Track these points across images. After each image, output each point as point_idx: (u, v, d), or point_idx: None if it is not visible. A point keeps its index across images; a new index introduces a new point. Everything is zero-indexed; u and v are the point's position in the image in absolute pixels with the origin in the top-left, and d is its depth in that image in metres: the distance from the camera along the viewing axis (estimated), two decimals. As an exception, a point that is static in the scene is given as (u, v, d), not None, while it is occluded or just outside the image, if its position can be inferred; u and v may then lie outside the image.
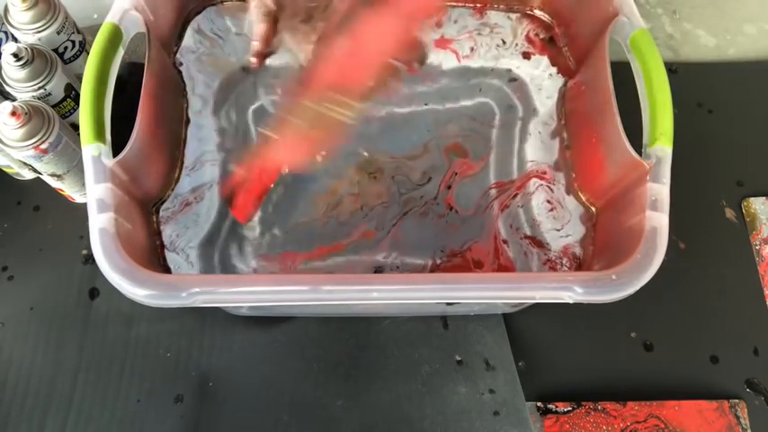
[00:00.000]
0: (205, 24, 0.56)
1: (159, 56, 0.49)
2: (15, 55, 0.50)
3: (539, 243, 0.55)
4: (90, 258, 0.57)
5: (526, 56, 0.60)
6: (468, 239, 0.56)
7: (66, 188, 0.57)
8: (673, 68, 0.69)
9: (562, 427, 0.53)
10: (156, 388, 0.53)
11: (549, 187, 0.56)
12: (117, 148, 0.41)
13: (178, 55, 0.54)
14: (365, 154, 0.59)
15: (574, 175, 0.54)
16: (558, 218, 0.55)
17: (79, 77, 0.58)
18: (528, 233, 0.56)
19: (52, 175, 0.54)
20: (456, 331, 0.56)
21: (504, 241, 0.56)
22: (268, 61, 0.59)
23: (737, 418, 0.54)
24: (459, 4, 0.57)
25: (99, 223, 0.38)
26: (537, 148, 0.59)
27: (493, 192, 0.58)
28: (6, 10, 0.53)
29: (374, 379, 0.54)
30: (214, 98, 0.58)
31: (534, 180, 0.57)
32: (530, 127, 0.60)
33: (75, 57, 0.59)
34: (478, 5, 0.57)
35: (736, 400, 0.55)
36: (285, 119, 0.45)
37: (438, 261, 0.56)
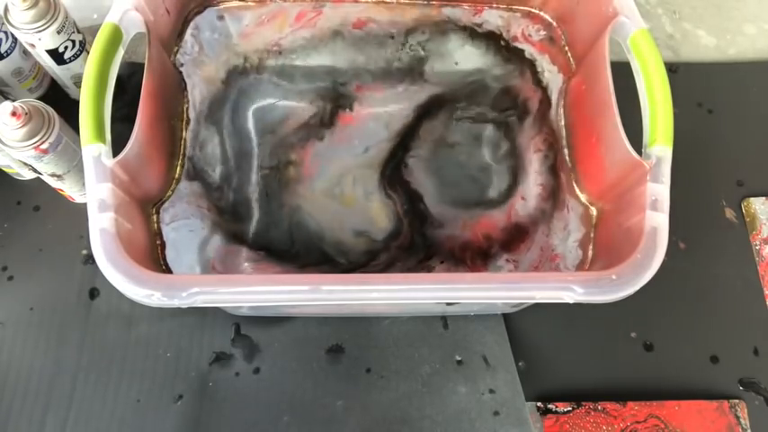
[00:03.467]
0: (204, 24, 0.56)
1: (159, 56, 0.49)
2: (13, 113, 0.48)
3: None
4: (90, 258, 0.57)
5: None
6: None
7: (67, 188, 0.57)
8: (673, 68, 0.69)
9: (562, 427, 0.53)
10: (156, 388, 0.53)
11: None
12: (117, 148, 0.41)
13: (178, 55, 0.54)
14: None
15: (574, 176, 0.54)
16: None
17: (79, 77, 0.58)
18: None
19: (52, 175, 0.54)
20: (456, 331, 0.56)
21: None
22: (267, 62, 0.59)
23: (737, 418, 0.54)
24: (454, 3, 0.57)
25: (99, 223, 0.38)
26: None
27: None
28: (6, 10, 0.53)
29: (374, 379, 0.54)
30: (213, 98, 0.58)
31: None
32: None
33: (75, 57, 0.59)
34: (478, 7, 0.57)
35: (736, 400, 0.55)
36: None
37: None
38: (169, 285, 0.37)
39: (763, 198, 0.63)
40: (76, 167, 0.54)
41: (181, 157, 0.52)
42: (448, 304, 0.52)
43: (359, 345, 0.56)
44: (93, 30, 0.49)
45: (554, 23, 0.57)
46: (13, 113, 0.47)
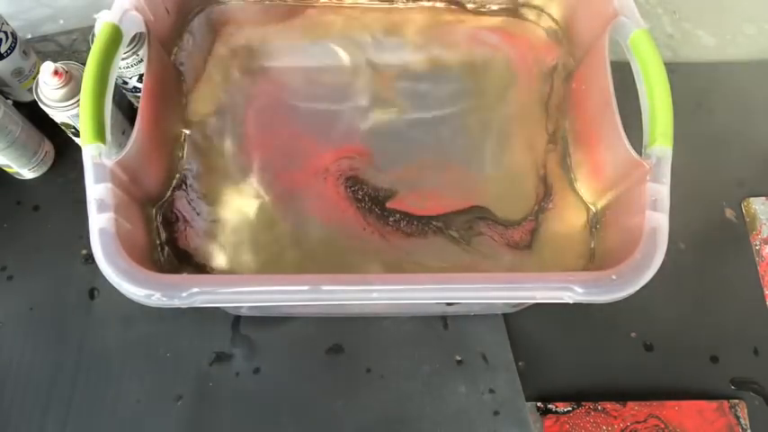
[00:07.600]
0: (201, 21, 0.55)
1: (159, 56, 0.49)
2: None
3: None
4: (90, 258, 0.57)
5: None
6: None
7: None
8: (673, 68, 0.69)
9: (562, 427, 0.53)
10: (156, 388, 0.53)
11: None
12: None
13: (178, 55, 0.54)
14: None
15: (573, 175, 0.54)
16: None
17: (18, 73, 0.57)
18: None
19: None
20: (456, 331, 0.56)
21: None
22: (269, 63, 0.59)
23: (737, 418, 0.54)
24: (456, 3, 0.57)
25: (99, 223, 0.38)
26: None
27: None
28: None
29: (374, 379, 0.54)
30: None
31: None
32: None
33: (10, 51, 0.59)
34: (477, 3, 0.57)
35: (736, 400, 0.55)
36: None
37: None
38: (169, 285, 0.37)
39: (763, 198, 0.63)
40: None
41: (181, 157, 0.52)
42: (448, 304, 0.52)
43: (359, 345, 0.56)
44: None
45: (554, 23, 0.57)
46: (55, 72, 0.48)
